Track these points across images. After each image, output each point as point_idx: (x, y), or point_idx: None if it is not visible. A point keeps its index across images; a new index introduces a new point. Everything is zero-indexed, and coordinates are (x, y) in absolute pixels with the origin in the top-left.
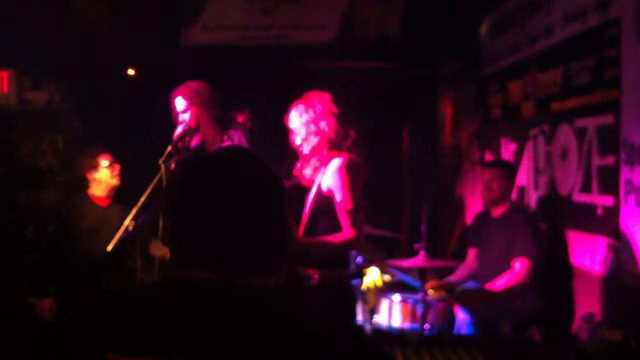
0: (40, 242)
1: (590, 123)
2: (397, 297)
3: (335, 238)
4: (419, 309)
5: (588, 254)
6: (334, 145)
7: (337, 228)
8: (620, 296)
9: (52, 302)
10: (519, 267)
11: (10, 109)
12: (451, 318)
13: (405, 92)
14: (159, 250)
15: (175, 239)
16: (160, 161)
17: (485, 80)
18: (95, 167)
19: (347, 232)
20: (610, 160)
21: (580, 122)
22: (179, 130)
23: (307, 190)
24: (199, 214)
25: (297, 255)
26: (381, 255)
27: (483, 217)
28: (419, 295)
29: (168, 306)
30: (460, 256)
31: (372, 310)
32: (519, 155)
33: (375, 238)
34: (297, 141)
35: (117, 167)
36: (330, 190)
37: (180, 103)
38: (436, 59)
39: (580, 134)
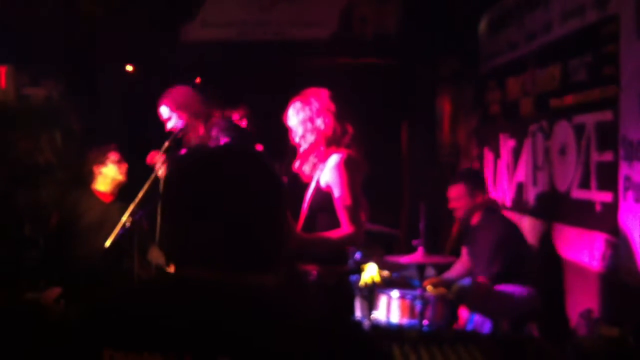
0: (39, 239)
1: (589, 119)
2: (395, 293)
3: (334, 234)
4: (418, 305)
5: (586, 251)
6: (332, 142)
7: (336, 224)
8: (618, 293)
9: (59, 291)
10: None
11: (8, 104)
12: (452, 315)
13: (403, 90)
14: (158, 259)
15: (173, 237)
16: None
17: (483, 78)
18: (103, 161)
19: (345, 228)
20: (608, 156)
21: (578, 119)
22: (170, 138)
23: (306, 186)
24: (198, 212)
25: (296, 251)
26: (379, 251)
27: (467, 220)
28: (418, 292)
29: (165, 304)
30: (459, 252)
31: (371, 306)
32: (517, 151)
33: (373, 234)
34: (296, 138)
35: (125, 165)
36: (329, 186)
37: (164, 111)
38: (434, 56)
39: (579, 130)
